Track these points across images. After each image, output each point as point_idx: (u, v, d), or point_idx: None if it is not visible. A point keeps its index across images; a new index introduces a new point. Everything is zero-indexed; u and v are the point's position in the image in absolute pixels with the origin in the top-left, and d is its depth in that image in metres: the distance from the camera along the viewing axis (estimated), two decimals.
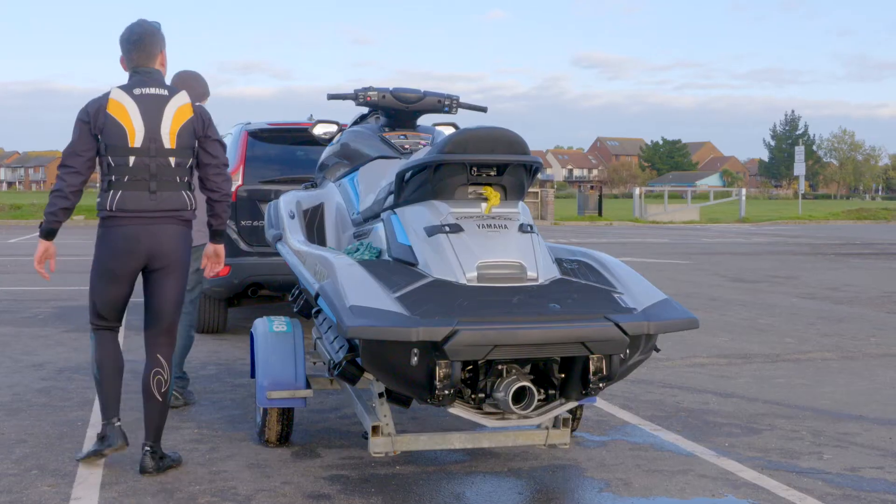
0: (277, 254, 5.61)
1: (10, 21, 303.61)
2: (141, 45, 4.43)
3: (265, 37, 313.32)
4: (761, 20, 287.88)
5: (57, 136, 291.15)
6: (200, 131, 4.44)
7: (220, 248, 4.70)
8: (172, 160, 4.38)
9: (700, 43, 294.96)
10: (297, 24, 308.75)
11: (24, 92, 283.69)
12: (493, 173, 3.99)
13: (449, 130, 5.61)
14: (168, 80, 4.76)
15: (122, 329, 8.51)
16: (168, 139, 4.36)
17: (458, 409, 3.78)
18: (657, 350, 4.06)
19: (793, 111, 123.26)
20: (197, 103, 4.49)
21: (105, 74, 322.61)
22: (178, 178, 4.41)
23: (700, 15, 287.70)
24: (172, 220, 4.42)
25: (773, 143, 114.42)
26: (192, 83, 5.72)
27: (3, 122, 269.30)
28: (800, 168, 44.62)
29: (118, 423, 4.45)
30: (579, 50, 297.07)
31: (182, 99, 4.42)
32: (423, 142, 5.09)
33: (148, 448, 4.42)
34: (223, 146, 4.56)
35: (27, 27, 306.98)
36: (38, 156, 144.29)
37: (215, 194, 4.52)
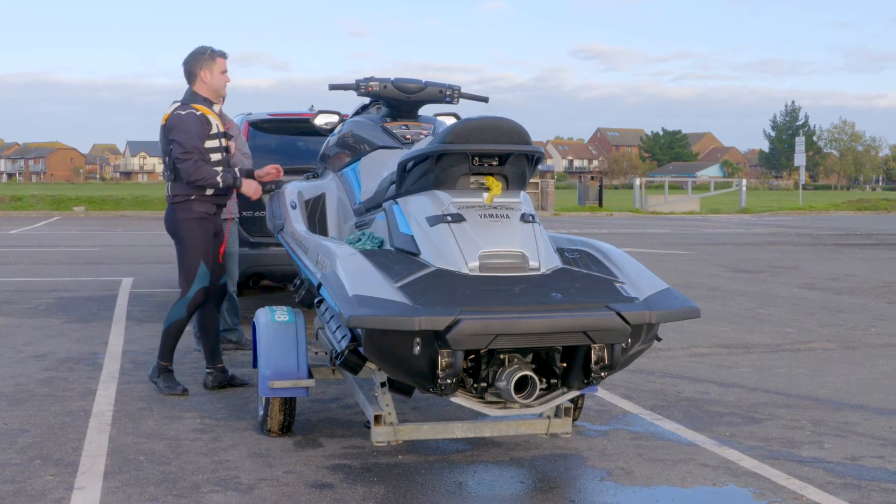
0: (279, 244, 5.62)
1: (10, 12, 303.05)
2: (183, 69, 5.74)
3: (263, 29, 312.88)
4: (759, 11, 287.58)
5: (57, 127, 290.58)
6: (169, 134, 5.60)
7: (249, 183, 5.83)
8: (162, 159, 5.78)
9: (698, 34, 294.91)
10: (295, 16, 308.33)
11: (24, 83, 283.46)
12: (494, 163, 3.99)
13: (450, 120, 5.61)
14: None
15: (123, 319, 8.53)
16: (161, 143, 5.75)
17: (460, 399, 3.79)
18: (658, 339, 4.07)
19: (793, 102, 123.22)
20: (178, 110, 5.59)
21: (105, 66, 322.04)
22: (165, 172, 5.78)
23: (697, 6, 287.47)
24: (167, 202, 5.79)
25: (773, 133, 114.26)
26: None
27: (3, 114, 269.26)
28: (800, 159, 44.54)
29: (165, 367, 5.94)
30: (578, 41, 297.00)
31: (168, 111, 5.66)
32: (424, 132, 5.08)
33: (208, 370, 6.00)
34: (179, 144, 5.52)
35: (26, 18, 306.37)
36: (37, 147, 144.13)
37: (186, 180, 5.59)
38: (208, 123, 5.60)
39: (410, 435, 4.20)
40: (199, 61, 5.67)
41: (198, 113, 5.58)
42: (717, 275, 13.20)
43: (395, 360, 3.67)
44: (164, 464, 4.45)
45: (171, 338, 5.79)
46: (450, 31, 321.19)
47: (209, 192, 5.66)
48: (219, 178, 5.58)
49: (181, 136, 5.51)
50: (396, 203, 4.22)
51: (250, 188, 5.80)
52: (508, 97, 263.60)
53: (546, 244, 3.99)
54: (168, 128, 5.58)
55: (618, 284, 3.87)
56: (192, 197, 5.63)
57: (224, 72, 5.72)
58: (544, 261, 3.89)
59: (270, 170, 5.94)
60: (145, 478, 4.24)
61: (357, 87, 5.18)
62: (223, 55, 5.73)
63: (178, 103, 5.66)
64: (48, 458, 4.51)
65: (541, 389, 3.80)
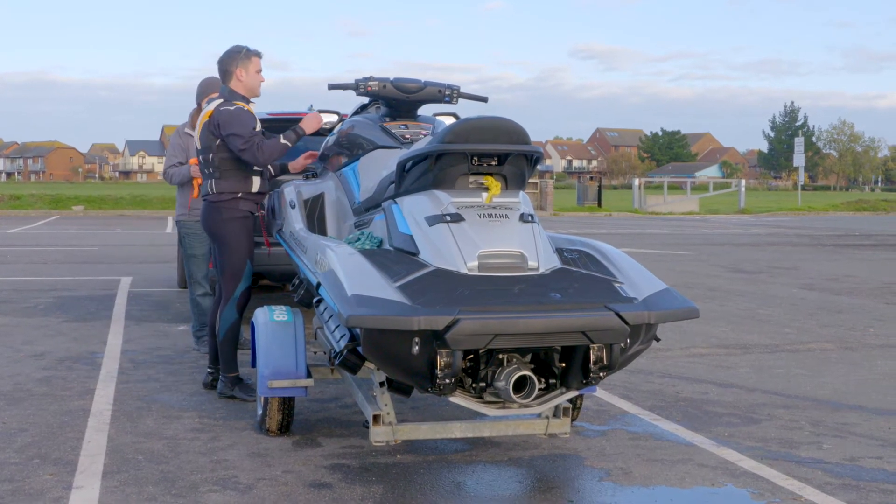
0: (278, 243, 5.62)
1: (8, 12, 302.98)
2: (219, 67, 5.65)
3: (262, 28, 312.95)
4: (758, 11, 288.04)
5: (55, 126, 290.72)
6: (217, 131, 5.44)
7: (308, 119, 5.59)
8: (201, 156, 5.59)
9: (697, 34, 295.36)
10: (294, 15, 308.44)
11: (23, 83, 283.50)
12: (493, 163, 3.99)
13: (449, 120, 5.60)
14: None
15: (122, 319, 8.53)
16: (198, 141, 5.61)
17: (458, 399, 3.79)
18: (657, 340, 4.07)
19: (792, 102, 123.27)
20: (224, 106, 5.44)
21: (103, 65, 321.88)
22: (206, 170, 5.57)
23: (696, 6, 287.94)
24: (206, 201, 5.63)
25: (772, 134, 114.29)
26: (216, 86, 6.77)
27: (2, 113, 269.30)
28: (799, 159, 44.57)
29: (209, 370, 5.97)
30: (577, 41, 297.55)
31: (209, 108, 5.54)
32: (423, 132, 5.08)
33: (209, 370, 5.94)
34: (237, 136, 5.36)
35: (25, 18, 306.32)
36: (36, 146, 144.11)
37: (259, 167, 5.54)
38: (254, 119, 5.51)
39: (409, 435, 4.19)
40: (234, 60, 5.59)
41: (244, 108, 5.49)
42: (716, 275, 13.21)
43: (394, 360, 3.67)
44: (163, 463, 4.45)
45: (230, 346, 5.61)
46: (449, 31, 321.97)
47: (255, 188, 5.54)
48: (283, 141, 5.40)
49: (238, 129, 5.36)
50: (395, 203, 4.22)
51: (311, 122, 5.56)
52: (507, 97, 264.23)
53: (545, 244, 3.99)
54: (218, 124, 5.42)
55: (617, 285, 3.87)
56: (239, 195, 5.50)
57: (259, 71, 5.64)
58: (543, 261, 3.89)
59: (303, 161, 5.85)
60: (144, 477, 4.24)
61: (356, 86, 5.17)
62: (258, 54, 5.64)
63: (220, 101, 5.51)
64: (47, 458, 4.51)
65: (539, 389, 3.80)
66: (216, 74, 5.85)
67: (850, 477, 4.39)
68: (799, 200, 44.62)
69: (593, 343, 3.65)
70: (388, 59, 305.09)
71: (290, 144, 5.42)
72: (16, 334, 7.77)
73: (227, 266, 5.56)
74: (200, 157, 5.58)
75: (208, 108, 5.54)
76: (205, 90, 6.90)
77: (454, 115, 5.96)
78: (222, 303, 5.60)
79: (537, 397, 3.81)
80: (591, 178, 40.46)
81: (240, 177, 5.51)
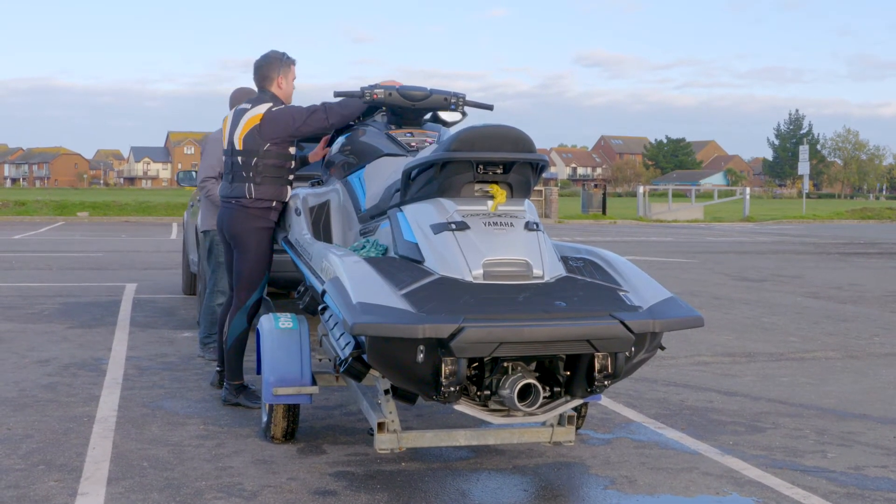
0: (283, 251, 5.63)
1: (12, 17, 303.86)
2: (257, 72, 5.52)
3: (265, 34, 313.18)
4: (760, 20, 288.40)
5: (60, 132, 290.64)
6: (273, 133, 5.32)
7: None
8: (240, 158, 5.39)
9: (701, 41, 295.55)
10: (297, 22, 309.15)
11: (27, 88, 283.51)
12: (499, 171, 4.00)
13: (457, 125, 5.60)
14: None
15: (127, 325, 8.54)
16: (238, 142, 5.40)
17: (463, 407, 3.79)
18: (662, 348, 4.07)
19: (797, 110, 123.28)
20: (276, 107, 5.36)
21: (107, 70, 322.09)
22: (243, 173, 5.38)
23: (700, 14, 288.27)
24: (234, 205, 5.44)
25: (777, 142, 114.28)
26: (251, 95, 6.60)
27: (7, 119, 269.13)
28: (804, 167, 44.51)
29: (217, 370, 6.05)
30: (580, 48, 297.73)
31: (257, 111, 5.38)
32: (429, 139, 5.10)
33: (218, 368, 6.04)
34: (315, 112, 5.29)
35: (29, 24, 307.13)
36: (41, 152, 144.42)
37: (343, 125, 5.41)
38: None
39: (414, 442, 4.20)
40: (276, 66, 5.50)
41: None
42: (721, 283, 13.20)
43: (399, 368, 3.67)
44: (168, 470, 4.45)
45: (237, 354, 5.56)
46: (453, 39, 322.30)
47: (286, 197, 5.46)
48: (367, 97, 5.22)
49: (306, 109, 5.32)
50: (401, 210, 4.23)
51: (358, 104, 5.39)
52: (512, 104, 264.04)
53: (550, 252, 4.00)
54: (284, 122, 5.30)
55: (621, 293, 3.88)
56: (273, 204, 5.42)
57: (294, 79, 5.61)
58: (548, 269, 3.90)
59: (321, 150, 5.75)
60: (149, 484, 4.25)
61: (362, 94, 5.19)
62: (294, 62, 5.61)
63: (270, 104, 5.39)
64: (52, 464, 4.52)
65: (544, 398, 3.81)
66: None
67: (854, 486, 4.39)
68: (804, 208, 44.57)
69: (598, 351, 3.65)
70: (393, 66, 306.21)
71: (365, 105, 5.30)
72: (21, 340, 7.78)
73: (245, 274, 5.47)
74: (239, 160, 5.38)
75: (256, 112, 5.37)
76: (239, 99, 6.83)
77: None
78: (232, 310, 5.56)
79: (542, 405, 3.81)
80: (596, 186, 40.47)
81: (277, 185, 5.42)
